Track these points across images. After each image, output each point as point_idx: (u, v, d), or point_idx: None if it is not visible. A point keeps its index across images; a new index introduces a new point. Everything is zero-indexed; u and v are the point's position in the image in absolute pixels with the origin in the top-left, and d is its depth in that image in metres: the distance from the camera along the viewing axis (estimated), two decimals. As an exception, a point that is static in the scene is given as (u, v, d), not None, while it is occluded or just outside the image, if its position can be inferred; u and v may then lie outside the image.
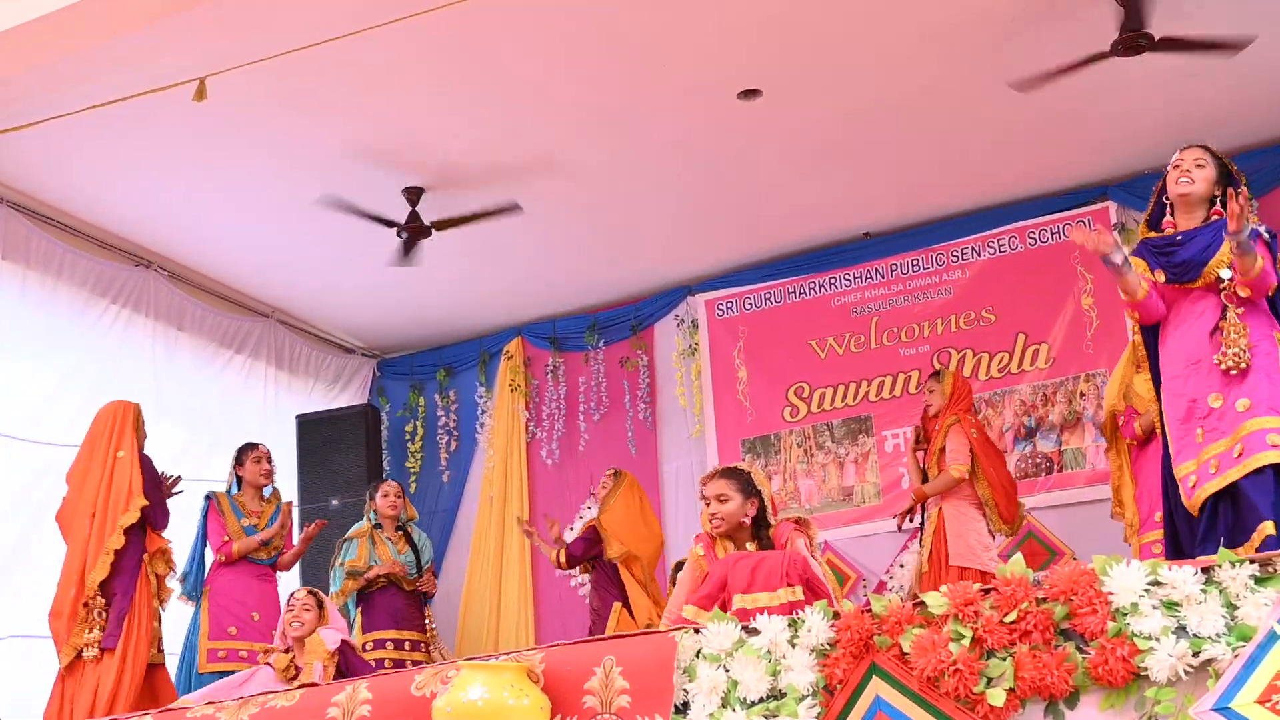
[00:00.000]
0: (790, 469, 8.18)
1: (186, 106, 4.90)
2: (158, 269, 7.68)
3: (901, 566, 7.53)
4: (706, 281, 8.63)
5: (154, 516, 5.66)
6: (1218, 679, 2.59)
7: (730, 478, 4.22)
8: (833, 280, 8.31)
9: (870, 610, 2.98)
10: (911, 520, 6.60)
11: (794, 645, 3.01)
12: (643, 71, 6.20)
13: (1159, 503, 4.44)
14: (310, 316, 8.92)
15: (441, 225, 7.08)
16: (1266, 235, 3.93)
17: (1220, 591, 2.71)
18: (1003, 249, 7.90)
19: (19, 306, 6.80)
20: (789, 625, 3.05)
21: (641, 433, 8.59)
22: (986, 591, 2.90)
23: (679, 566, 5.89)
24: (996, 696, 2.76)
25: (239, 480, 6.63)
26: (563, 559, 7.05)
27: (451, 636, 8.29)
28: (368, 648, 6.75)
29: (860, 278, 8.23)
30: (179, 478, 5.99)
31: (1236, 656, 2.60)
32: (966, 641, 2.82)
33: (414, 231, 7.06)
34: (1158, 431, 4.25)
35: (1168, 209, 4.12)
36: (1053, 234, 7.77)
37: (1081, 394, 7.50)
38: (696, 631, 3.15)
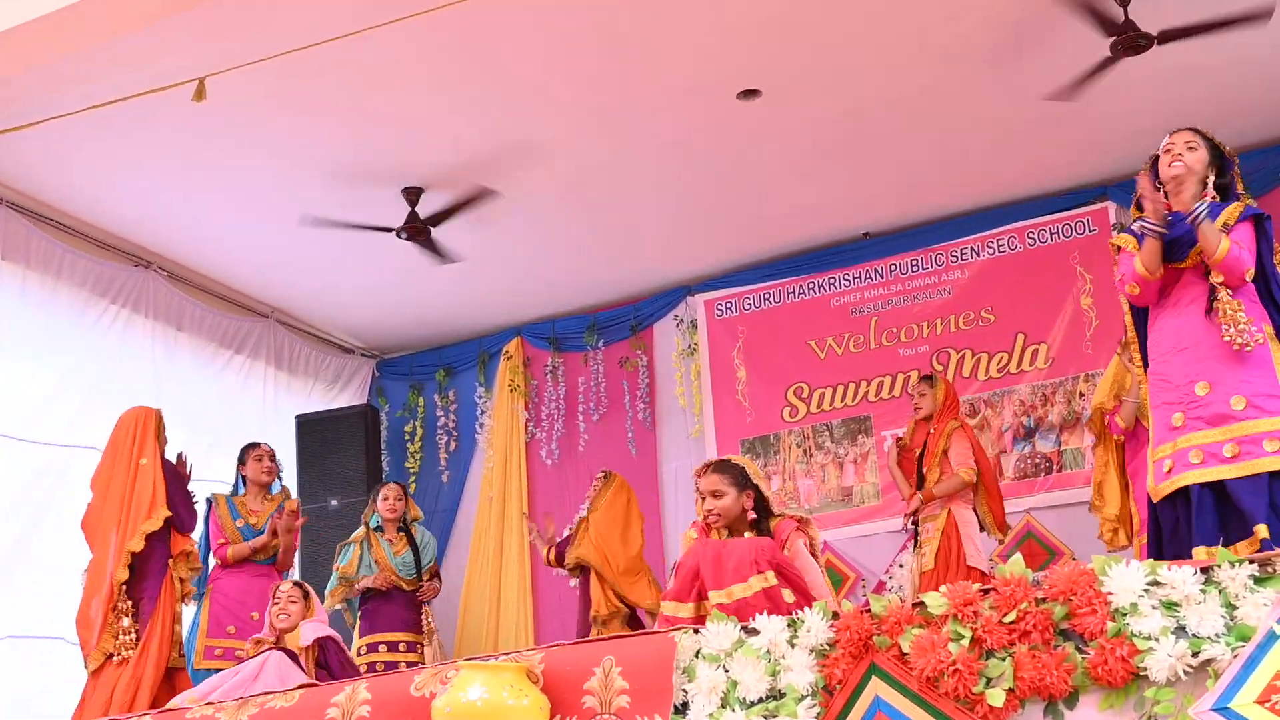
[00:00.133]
0: (789, 469, 8.18)
1: (186, 107, 4.89)
2: (157, 269, 7.67)
3: (901, 566, 7.52)
4: (706, 281, 8.63)
5: (180, 519, 5.67)
6: (1217, 679, 2.59)
7: (723, 472, 4.22)
8: (832, 280, 8.31)
9: (869, 610, 2.98)
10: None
11: (793, 645, 3.00)
12: (642, 71, 6.20)
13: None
14: (310, 317, 8.92)
15: (434, 221, 7.09)
16: (1253, 215, 3.89)
17: (1220, 592, 2.71)
18: (1002, 249, 7.90)
19: (19, 306, 6.79)
20: (788, 625, 3.04)
21: (641, 433, 8.59)
22: (986, 592, 2.90)
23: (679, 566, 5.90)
24: (996, 697, 2.76)
25: (243, 480, 6.64)
26: (552, 557, 7.15)
27: (451, 636, 8.29)
28: (361, 652, 6.77)
29: (859, 278, 8.23)
30: (185, 456, 5.98)
31: (1236, 657, 2.60)
32: (966, 642, 2.82)
33: (413, 232, 7.06)
34: (1142, 420, 4.20)
35: (1161, 193, 4.10)
36: (1052, 234, 7.77)
37: (1081, 394, 7.49)
38: (696, 631, 3.15)
